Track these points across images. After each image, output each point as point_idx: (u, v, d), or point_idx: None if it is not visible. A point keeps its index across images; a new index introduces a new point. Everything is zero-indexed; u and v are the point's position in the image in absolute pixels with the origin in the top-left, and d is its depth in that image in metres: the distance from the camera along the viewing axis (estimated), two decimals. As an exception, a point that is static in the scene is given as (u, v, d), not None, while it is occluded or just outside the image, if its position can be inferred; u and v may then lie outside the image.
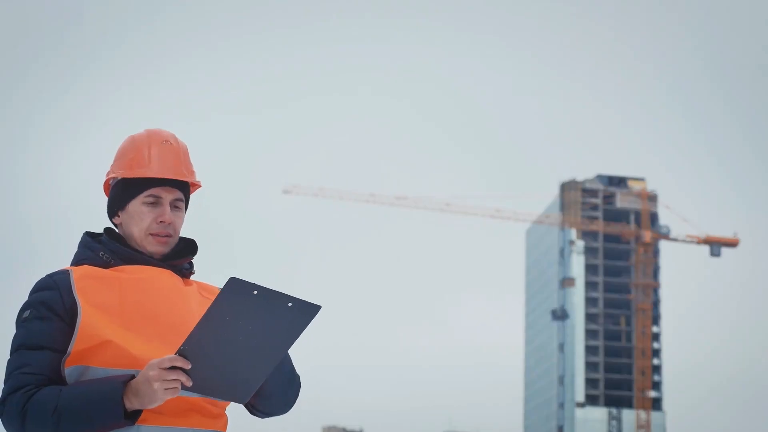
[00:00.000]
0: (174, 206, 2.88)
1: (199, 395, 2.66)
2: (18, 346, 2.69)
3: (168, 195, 2.86)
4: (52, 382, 2.65)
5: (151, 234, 2.84)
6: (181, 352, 2.51)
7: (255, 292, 2.44)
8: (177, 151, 2.90)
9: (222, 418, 2.79)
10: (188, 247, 2.94)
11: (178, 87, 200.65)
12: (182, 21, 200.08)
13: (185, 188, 2.92)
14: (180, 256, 2.91)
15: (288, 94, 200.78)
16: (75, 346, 2.66)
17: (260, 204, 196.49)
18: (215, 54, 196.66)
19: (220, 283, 2.58)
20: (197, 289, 2.88)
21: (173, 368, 2.52)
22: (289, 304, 2.48)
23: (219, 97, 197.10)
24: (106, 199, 2.96)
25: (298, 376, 2.93)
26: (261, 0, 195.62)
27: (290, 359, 2.90)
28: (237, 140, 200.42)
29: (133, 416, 2.59)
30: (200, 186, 2.97)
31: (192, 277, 2.94)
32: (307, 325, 2.55)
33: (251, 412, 2.92)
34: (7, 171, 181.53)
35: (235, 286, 2.43)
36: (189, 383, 2.53)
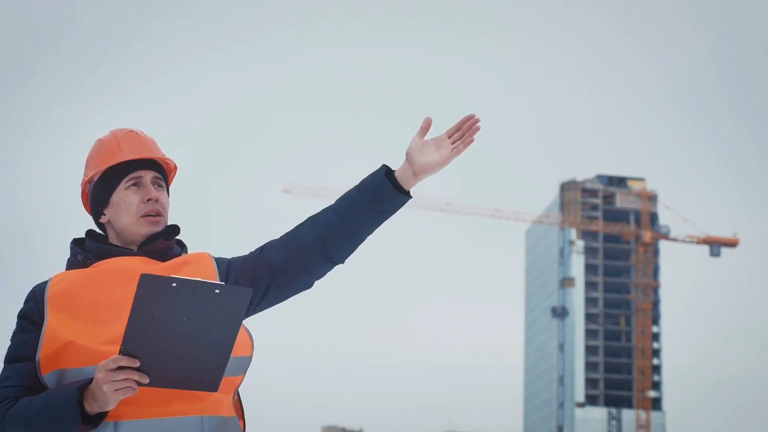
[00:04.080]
0: (156, 185, 2.93)
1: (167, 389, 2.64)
2: (4, 360, 2.78)
3: (147, 174, 2.92)
4: (33, 392, 2.71)
5: (142, 216, 2.88)
6: (123, 351, 2.51)
7: (174, 285, 2.44)
8: (145, 138, 2.97)
9: (209, 398, 2.74)
10: (163, 232, 2.94)
11: (179, 87, 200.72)
12: (184, 22, 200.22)
13: (162, 171, 2.97)
14: (152, 241, 2.91)
15: (288, 93, 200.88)
16: (41, 351, 2.70)
17: (260, 203, 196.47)
18: (215, 54, 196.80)
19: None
20: (174, 267, 2.86)
21: (121, 368, 2.52)
22: (216, 291, 2.48)
23: (219, 97, 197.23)
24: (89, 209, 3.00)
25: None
26: (261, 3, 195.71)
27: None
28: (237, 140, 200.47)
29: (96, 419, 2.60)
30: (176, 169, 3.03)
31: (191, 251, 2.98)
32: (245, 308, 2.54)
33: (327, 264, 2.95)
34: (7, 171, 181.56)
35: (147, 282, 2.44)
36: (144, 379, 2.53)
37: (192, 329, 2.50)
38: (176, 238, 2.97)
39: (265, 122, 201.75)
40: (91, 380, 2.59)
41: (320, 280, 3.00)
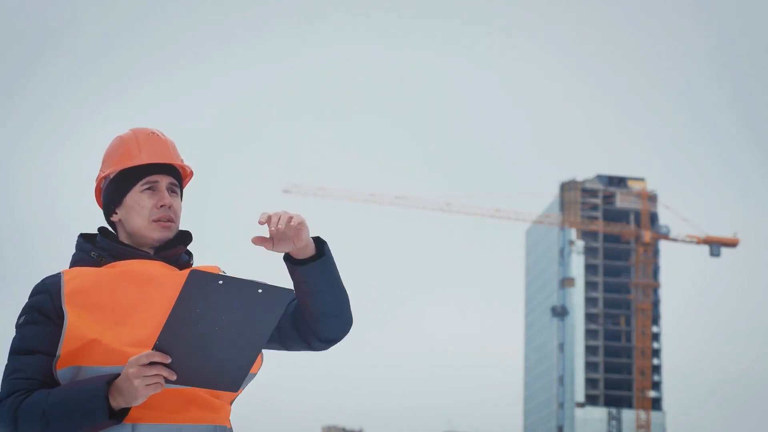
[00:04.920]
0: (171, 191, 2.92)
1: (187, 387, 2.65)
2: (12, 351, 2.74)
3: (163, 180, 2.91)
4: (45, 385, 2.68)
5: (154, 221, 2.87)
6: (158, 347, 2.51)
7: (220, 282, 2.44)
8: (165, 141, 2.96)
9: (224, 409, 2.78)
10: (181, 238, 2.95)
11: (179, 87, 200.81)
12: (184, 22, 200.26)
13: (178, 176, 2.96)
14: (171, 246, 2.91)
15: (288, 94, 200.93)
16: (63, 348, 2.68)
17: (260, 203, 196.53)
18: (215, 54, 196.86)
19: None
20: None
21: (153, 363, 2.52)
22: (260, 291, 2.48)
23: (219, 97, 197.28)
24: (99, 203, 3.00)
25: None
26: (261, 3, 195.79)
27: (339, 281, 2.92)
28: (237, 140, 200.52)
29: (120, 414, 2.60)
30: (192, 175, 3.02)
31: (197, 263, 2.97)
32: (282, 309, 2.54)
33: (313, 346, 2.93)
34: (7, 171, 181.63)
35: (197, 278, 2.44)
36: (173, 377, 2.53)
37: (228, 327, 2.51)
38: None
39: (265, 122, 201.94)
40: (116, 376, 2.59)
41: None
